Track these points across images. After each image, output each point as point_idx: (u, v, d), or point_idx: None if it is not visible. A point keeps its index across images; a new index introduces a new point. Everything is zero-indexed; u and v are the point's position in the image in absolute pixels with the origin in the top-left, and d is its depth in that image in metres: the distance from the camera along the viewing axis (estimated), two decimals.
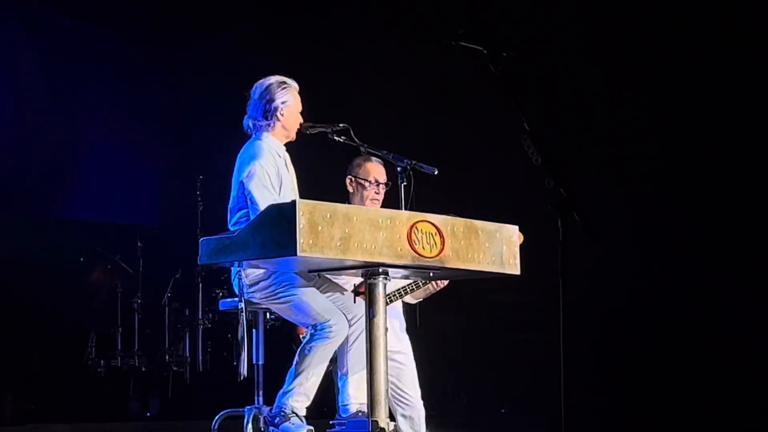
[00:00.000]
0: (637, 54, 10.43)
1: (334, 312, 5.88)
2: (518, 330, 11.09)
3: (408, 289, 6.66)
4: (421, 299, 6.85)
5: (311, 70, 8.66)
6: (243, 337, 5.93)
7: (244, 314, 5.94)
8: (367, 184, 6.68)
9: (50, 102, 10.38)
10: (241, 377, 6.03)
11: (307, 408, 5.96)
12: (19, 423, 8.34)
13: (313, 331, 5.86)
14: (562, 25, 10.50)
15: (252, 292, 5.99)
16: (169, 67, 10.57)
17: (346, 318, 6.00)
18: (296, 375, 5.86)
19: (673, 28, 10.30)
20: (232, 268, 6.05)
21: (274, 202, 5.68)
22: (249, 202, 5.96)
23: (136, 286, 10.21)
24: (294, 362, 5.91)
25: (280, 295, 5.94)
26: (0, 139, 10.05)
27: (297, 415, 5.85)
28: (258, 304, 6.06)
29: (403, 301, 6.80)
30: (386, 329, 5.77)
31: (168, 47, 10.60)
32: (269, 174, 5.97)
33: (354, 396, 6.04)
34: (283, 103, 6.15)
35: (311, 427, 5.81)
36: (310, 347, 5.84)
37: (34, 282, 9.82)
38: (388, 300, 6.54)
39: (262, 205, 5.78)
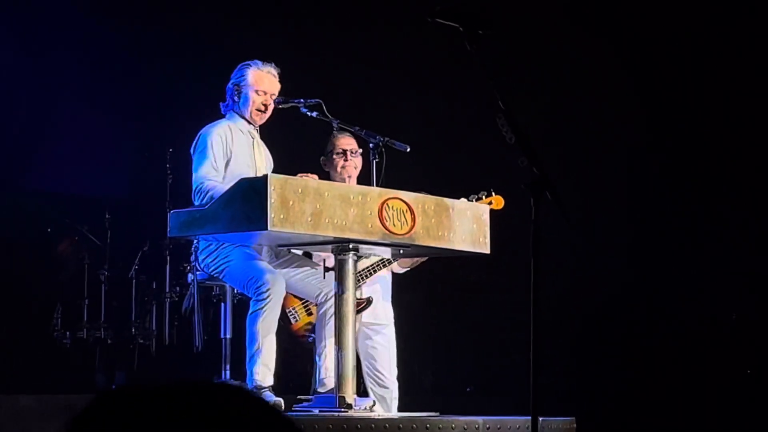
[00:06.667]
0: (619, 32, 10.35)
1: (268, 272, 5.91)
2: (486, 309, 11.08)
3: (381, 265, 6.66)
4: (408, 269, 6.87)
5: (284, 47, 8.62)
6: (187, 309, 6.08)
7: (194, 285, 6.06)
8: (335, 155, 6.73)
9: (19, 74, 10.28)
10: (195, 348, 6.13)
11: (276, 383, 6.00)
12: None
13: (252, 295, 5.89)
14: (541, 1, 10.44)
15: (204, 265, 6.07)
16: (140, 39, 10.50)
17: (320, 284, 6.08)
18: (250, 344, 5.93)
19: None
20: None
21: (211, 172, 5.95)
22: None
23: (103, 258, 10.15)
24: (246, 335, 5.96)
25: (219, 264, 6.03)
26: None
27: (264, 388, 5.89)
28: (215, 277, 6.11)
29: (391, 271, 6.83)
30: (355, 305, 5.79)
31: (139, 20, 10.52)
32: (213, 145, 6.05)
33: (331, 371, 6.05)
34: (236, 83, 6.19)
35: (280, 400, 5.83)
36: (253, 313, 5.90)
37: (0, 252, 9.75)
38: (367, 273, 6.57)
39: (199, 173, 6.00)
